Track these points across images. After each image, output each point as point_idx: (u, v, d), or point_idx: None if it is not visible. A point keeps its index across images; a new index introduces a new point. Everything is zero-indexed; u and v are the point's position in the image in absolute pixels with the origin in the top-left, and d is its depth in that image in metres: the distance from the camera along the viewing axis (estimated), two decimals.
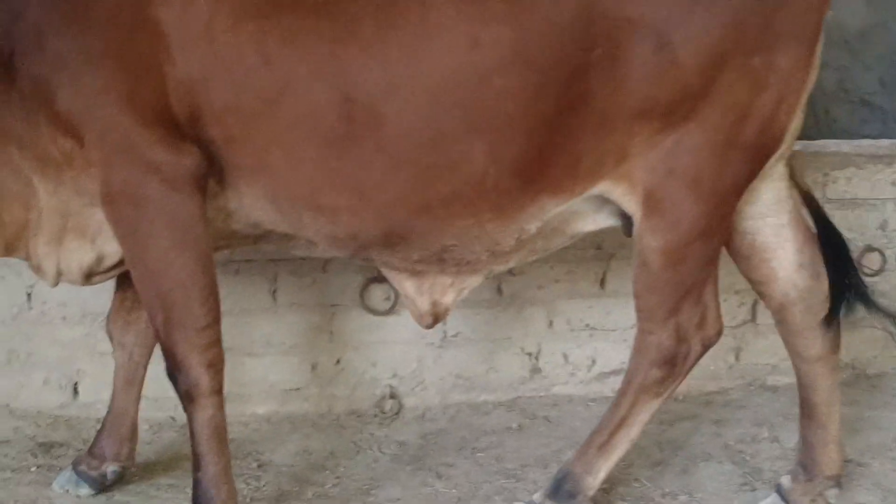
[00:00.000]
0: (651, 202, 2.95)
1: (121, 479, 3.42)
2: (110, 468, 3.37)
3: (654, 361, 3.14)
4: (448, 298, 3.23)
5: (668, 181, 2.90)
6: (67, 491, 3.35)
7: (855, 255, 3.97)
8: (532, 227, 3.02)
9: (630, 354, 3.24)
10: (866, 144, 4.71)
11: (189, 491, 3.05)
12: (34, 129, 2.81)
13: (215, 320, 2.91)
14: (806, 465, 3.36)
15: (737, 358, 4.51)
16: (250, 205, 2.92)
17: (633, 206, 2.99)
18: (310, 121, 2.75)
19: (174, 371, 2.92)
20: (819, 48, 2.97)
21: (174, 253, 2.81)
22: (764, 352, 4.49)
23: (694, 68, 2.79)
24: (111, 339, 3.38)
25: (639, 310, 3.15)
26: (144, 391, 3.45)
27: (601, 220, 3.15)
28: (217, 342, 2.93)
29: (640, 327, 3.17)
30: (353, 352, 4.14)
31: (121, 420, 3.39)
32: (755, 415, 4.22)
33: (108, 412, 3.42)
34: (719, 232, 3.07)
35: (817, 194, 3.55)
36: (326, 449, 3.82)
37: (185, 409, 2.94)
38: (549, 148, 2.84)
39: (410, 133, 2.77)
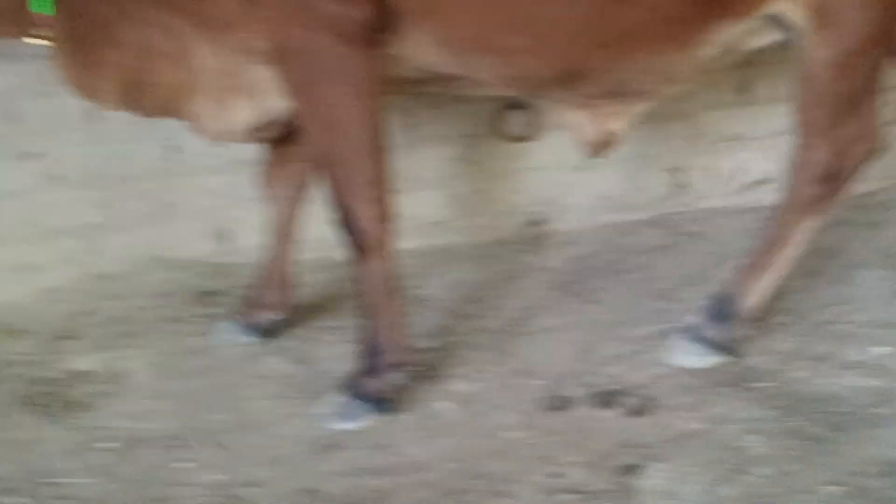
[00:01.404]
0: (821, 13, 2.91)
1: (283, 325, 3.48)
2: (269, 316, 3.44)
3: (815, 177, 3.07)
4: (616, 125, 3.15)
5: None
6: (229, 340, 3.43)
7: None
8: (706, 52, 2.97)
9: (788, 169, 3.15)
10: None
11: (353, 331, 3.10)
12: None
13: (386, 174, 2.89)
14: None
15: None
16: (421, 50, 2.86)
17: (802, 20, 2.94)
18: None
19: (345, 223, 2.91)
20: None
21: (347, 107, 2.79)
22: None
23: None
24: (263, 191, 3.39)
25: (800, 125, 3.07)
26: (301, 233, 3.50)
27: (771, 36, 3.07)
28: (388, 195, 2.91)
29: (801, 143, 3.09)
30: (494, 181, 4.11)
31: (276, 270, 3.44)
32: None
33: (264, 262, 3.47)
34: (886, 40, 2.99)
35: None
36: (477, 280, 3.84)
37: (356, 260, 2.95)
38: None
39: None
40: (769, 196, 4.19)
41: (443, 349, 3.35)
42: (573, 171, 4.13)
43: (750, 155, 4.25)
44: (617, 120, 3.13)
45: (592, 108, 3.09)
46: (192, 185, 3.89)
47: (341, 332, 3.40)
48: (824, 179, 3.06)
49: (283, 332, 3.47)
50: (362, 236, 2.90)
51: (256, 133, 3.10)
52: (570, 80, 2.94)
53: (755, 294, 3.19)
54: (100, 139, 3.76)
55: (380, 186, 2.89)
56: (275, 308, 3.46)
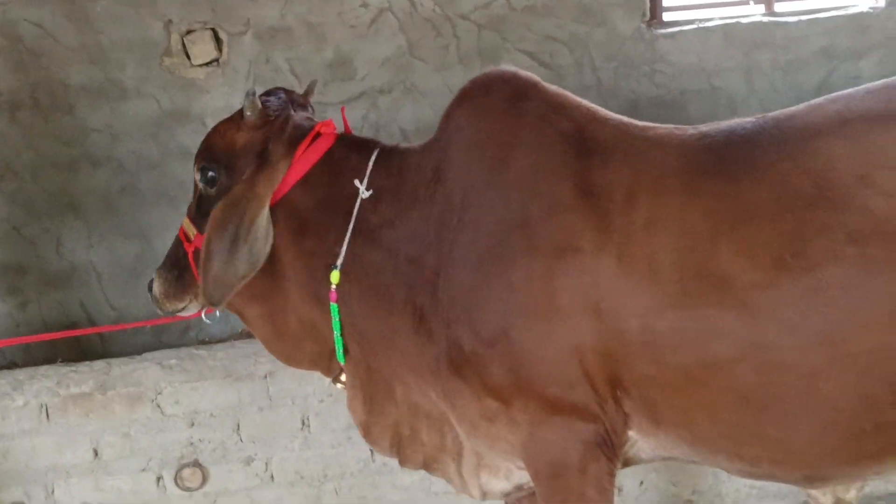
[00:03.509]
0: None
1: None
2: None
3: None
4: (851, 495, 3.44)
5: None
6: None
7: None
8: None
9: None
10: None
11: None
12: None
13: None
14: None
15: None
16: (666, 447, 3.11)
17: None
18: (731, 396, 2.90)
19: None
20: None
21: (587, 502, 3.08)
22: None
23: None
24: None
25: None
26: None
27: None
28: None
29: None
30: (654, 473, 4.56)
31: None
32: None
33: None
34: None
35: None
36: None
37: None
38: None
39: (841, 406, 2.85)
40: None
41: None
42: None
43: None
44: (849, 490, 3.45)
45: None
46: (388, 482, 4.41)
47: None
48: None
49: None
50: None
51: (512, 496, 3.44)
52: (810, 482, 3.12)
53: None
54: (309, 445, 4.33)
55: None
56: None
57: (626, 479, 4.50)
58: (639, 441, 3.17)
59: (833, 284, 2.81)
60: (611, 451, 3.13)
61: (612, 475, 3.17)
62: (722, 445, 3.06)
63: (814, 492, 3.41)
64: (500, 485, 3.39)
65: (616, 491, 4.44)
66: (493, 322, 3.03)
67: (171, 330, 5.13)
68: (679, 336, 2.90)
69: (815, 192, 2.84)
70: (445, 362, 3.14)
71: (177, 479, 4.21)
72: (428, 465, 3.47)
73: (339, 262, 3.26)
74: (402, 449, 3.47)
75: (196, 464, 4.23)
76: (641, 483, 4.54)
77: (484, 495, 3.44)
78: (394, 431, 3.44)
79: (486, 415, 3.14)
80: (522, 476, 3.31)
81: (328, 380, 3.65)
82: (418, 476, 4.37)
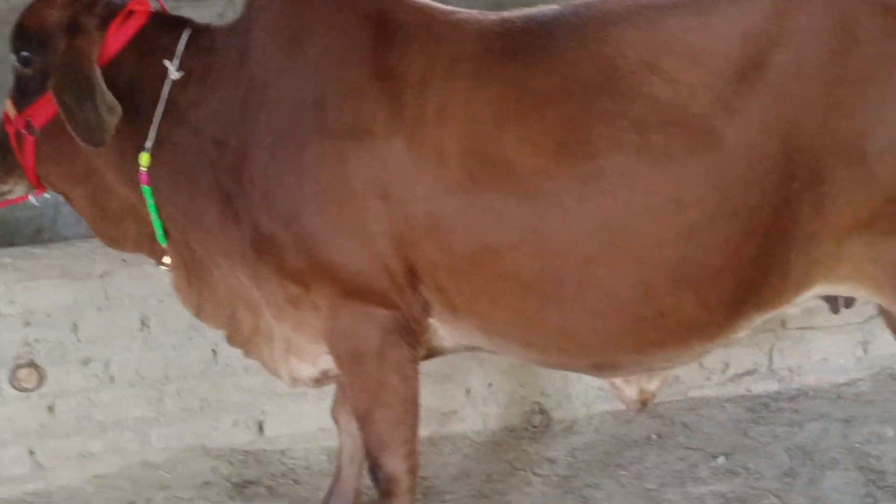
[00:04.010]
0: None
1: None
2: None
3: None
4: (653, 385, 3.42)
5: None
6: None
7: None
8: (740, 334, 3.12)
9: None
10: None
11: None
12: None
13: (417, 432, 3.27)
14: None
15: (865, 351, 4.76)
16: (464, 335, 3.17)
17: (884, 298, 2.99)
18: (513, 283, 2.93)
19: (376, 470, 3.25)
20: None
21: (389, 385, 3.14)
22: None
23: (892, 177, 2.81)
24: (336, 423, 3.77)
25: None
26: None
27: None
28: (416, 449, 3.28)
29: None
30: (502, 375, 4.56)
31: (345, 489, 3.81)
32: (882, 411, 4.50)
33: (334, 481, 3.85)
34: None
35: None
36: (484, 471, 4.28)
37: (383, 500, 3.29)
38: (760, 276, 2.93)
39: (618, 292, 2.90)
40: (757, 385, 4.69)
41: None
42: None
43: (736, 349, 4.66)
44: (655, 380, 3.40)
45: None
46: (232, 383, 4.37)
47: None
48: None
49: None
50: (390, 484, 3.24)
51: (322, 382, 3.48)
52: (603, 369, 3.22)
53: None
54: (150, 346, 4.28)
55: (412, 444, 3.24)
56: None
57: (475, 380, 4.51)
58: (439, 329, 3.19)
59: (613, 172, 2.83)
60: (412, 338, 3.14)
61: (414, 362, 3.19)
62: (512, 333, 3.10)
63: (618, 383, 3.43)
64: (307, 371, 3.40)
65: (465, 392, 4.52)
66: (286, 205, 3.02)
67: (23, 234, 5.03)
68: (462, 222, 2.91)
69: (603, 80, 2.85)
70: (249, 246, 3.14)
71: (12, 380, 4.12)
72: (245, 348, 3.50)
73: (149, 144, 3.22)
74: (229, 329, 3.50)
75: (32, 364, 4.14)
76: (490, 385, 4.54)
77: (294, 381, 3.46)
78: (217, 311, 3.47)
79: (289, 299, 3.16)
80: (328, 361, 3.31)
81: (167, 280, 3.63)
82: (262, 378, 4.33)
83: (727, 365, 4.68)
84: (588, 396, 4.62)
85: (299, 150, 2.99)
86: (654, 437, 4.44)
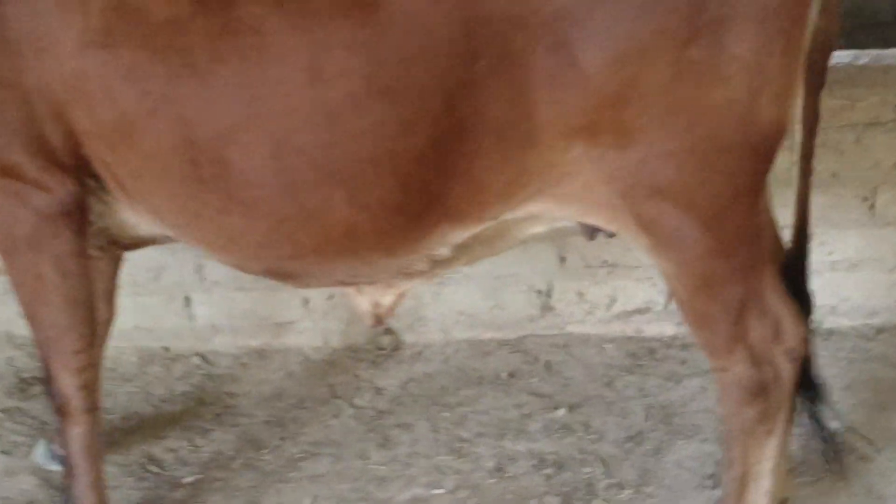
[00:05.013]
0: (644, 224, 2.47)
1: None
2: None
3: (743, 400, 2.64)
4: (388, 299, 2.95)
5: (649, 200, 2.42)
6: (40, 462, 3.38)
7: None
8: (442, 251, 2.65)
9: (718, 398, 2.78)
10: None
11: None
12: None
13: (90, 344, 2.85)
14: None
15: None
16: (149, 222, 2.75)
17: (621, 229, 2.54)
18: (160, 161, 2.51)
19: (48, 384, 2.87)
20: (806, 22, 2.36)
21: (50, 280, 2.73)
22: None
23: (601, 72, 2.28)
24: None
25: (700, 347, 2.70)
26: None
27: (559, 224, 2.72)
28: (92, 365, 2.87)
29: (711, 366, 2.71)
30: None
31: None
32: None
33: None
34: (743, 240, 2.51)
35: None
36: (299, 395, 3.78)
37: (59, 421, 2.90)
38: (436, 180, 2.43)
39: (258, 181, 2.46)
40: (651, 327, 4.03)
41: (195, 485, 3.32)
42: (433, 284, 3.99)
43: (626, 283, 4.01)
44: (388, 294, 2.93)
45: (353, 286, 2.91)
46: None
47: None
48: (753, 397, 2.62)
49: None
50: (62, 401, 2.86)
51: None
52: (282, 278, 2.77)
53: None
54: None
55: (84, 357, 2.84)
56: None
57: (313, 290, 3.96)
58: (124, 213, 2.75)
59: (248, 27, 2.36)
60: (77, 225, 2.70)
61: (79, 256, 2.75)
62: (178, 224, 2.67)
63: (351, 292, 2.90)
64: None
65: (301, 302, 3.99)
66: None
67: None
68: (102, 82, 2.47)
69: None
70: None
71: None
72: None
73: None
74: None
75: None
76: (331, 297, 4.00)
77: None
78: None
79: None
80: None
81: None
82: None
83: (613, 300, 4.02)
84: (446, 321, 4.04)
85: None
86: (504, 375, 3.84)
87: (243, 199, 2.48)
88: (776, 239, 2.78)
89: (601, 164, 2.38)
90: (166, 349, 4.02)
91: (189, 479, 3.32)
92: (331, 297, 3.99)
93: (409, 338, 4.05)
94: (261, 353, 4.00)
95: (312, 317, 4.02)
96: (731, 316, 2.54)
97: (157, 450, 3.46)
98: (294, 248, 2.57)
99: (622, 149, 2.35)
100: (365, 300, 2.94)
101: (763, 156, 2.42)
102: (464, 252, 2.69)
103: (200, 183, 2.49)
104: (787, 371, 2.62)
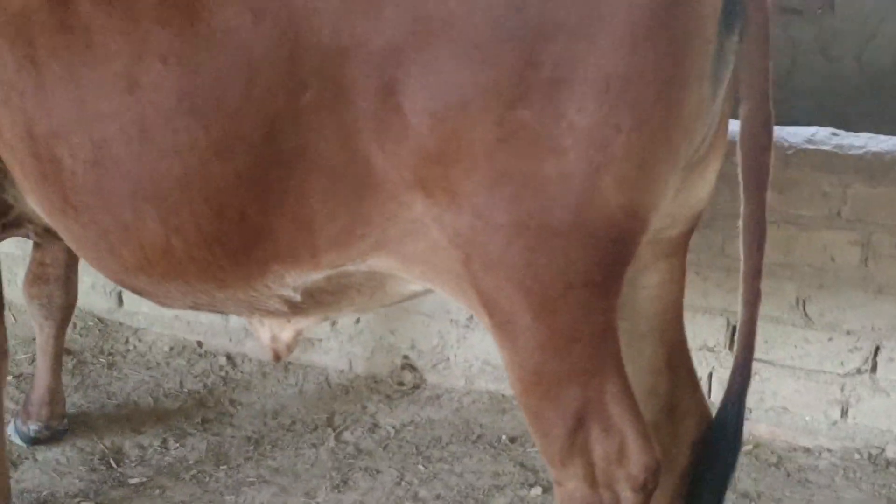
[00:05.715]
0: (484, 302, 2.15)
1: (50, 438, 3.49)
2: (32, 426, 3.47)
3: None
4: (286, 335, 2.78)
5: (487, 275, 2.11)
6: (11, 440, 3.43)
7: None
8: (287, 292, 2.42)
9: None
10: None
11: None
12: None
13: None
14: None
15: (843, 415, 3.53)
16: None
17: (469, 304, 2.24)
18: (17, 152, 2.47)
19: None
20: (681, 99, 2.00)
21: None
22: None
23: (423, 123, 2.02)
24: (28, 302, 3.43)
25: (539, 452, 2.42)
26: None
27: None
28: None
29: (552, 478, 2.35)
30: (373, 315, 3.87)
31: (39, 384, 3.48)
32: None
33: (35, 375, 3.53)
34: (577, 339, 2.12)
35: None
36: (294, 417, 3.70)
37: None
38: (258, 213, 2.25)
39: (83, 186, 2.36)
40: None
41: None
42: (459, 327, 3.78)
43: None
44: (287, 329, 2.75)
45: (259, 318, 2.74)
46: None
47: None
48: None
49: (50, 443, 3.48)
50: None
51: None
52: (133, 291, 2.63)
53: None
54: None
55: None
56: (39, 419, 3.47)
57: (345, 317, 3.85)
58: (27, 199, 2.69)
59: (81, 21, 2.26)
60: None
61: None
62: (57, 223, 2.58)
63: (254, 322, 2.76)
64: None
65: (329, 324, 3.90)
66: None
67: None
68: None
69: None
70: None
71: None
72: None
73: None
74: None
75: None
76: (357, 322, 3.88)
77: None
78: None
79: None
80: None
81: None
82: None
83: None
84: (472, 369, 3.83)
85: None
86: (504, 438, 3.56)
87: (75, 204, 2.40)
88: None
89: (441, 226, 2.10)
90: (199, 344, 4.06)
91: (134, 481, 3.31)
92: (357, 321, 3.88)
93: (432, 378, 3.88)
94: (285, 366, 3.95)
95: (339, 338, 3.93)
96: (567, 423, 2.17)
97: (128, 444, 3.49)
98: (119, 263, 2.46)
99: (455, 213, 2.07)
100: (265, 333, 2.78)
101: (607, 248, 2.05)
102: (317, 298, 2.45)
103: (44, 179, 2.43)
104: (628, 502, 2.23)
